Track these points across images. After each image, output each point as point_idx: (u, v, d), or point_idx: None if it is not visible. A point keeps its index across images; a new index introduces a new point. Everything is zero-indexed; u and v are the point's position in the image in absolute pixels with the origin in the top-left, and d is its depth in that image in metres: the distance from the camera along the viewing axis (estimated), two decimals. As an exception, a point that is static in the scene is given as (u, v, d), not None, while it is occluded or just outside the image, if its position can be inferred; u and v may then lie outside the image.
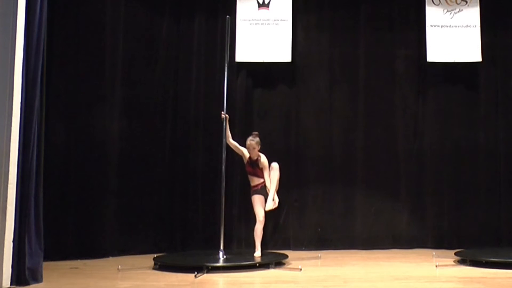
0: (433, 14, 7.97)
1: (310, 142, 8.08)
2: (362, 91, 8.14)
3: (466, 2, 7.99)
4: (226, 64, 6.90)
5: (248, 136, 7.06)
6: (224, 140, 6.79)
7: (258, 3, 8.00)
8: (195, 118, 7.95)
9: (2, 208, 5.24)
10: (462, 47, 7.90)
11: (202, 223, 7.73)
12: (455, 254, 6.86)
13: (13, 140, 5.32)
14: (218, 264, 6.34)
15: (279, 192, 7.48)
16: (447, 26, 7.96)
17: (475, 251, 6.98)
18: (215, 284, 5.79)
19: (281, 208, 7.88)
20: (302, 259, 6.97)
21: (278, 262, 6.56)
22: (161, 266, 6.38)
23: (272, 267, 6.37)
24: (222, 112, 6.80)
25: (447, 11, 7.99)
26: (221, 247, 6.60)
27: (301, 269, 6.25)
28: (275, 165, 6.98)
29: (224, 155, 6.78)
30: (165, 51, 7.94)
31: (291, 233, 7.93)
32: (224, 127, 6.79)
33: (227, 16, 7.08)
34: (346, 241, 7.92)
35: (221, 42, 7.76)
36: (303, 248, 7.78)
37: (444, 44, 7.91)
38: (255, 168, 6.99)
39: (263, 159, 6.98)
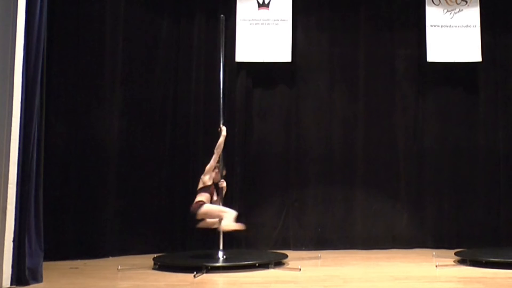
0: (433, 14, 7.97)
1: (310, 142, 8.08)
2: (362, 91, 8.14)
3: (466, 2, 7.99)
4: (221, 63, 6.91)
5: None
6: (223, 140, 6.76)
7: (258, 3, 8.00)
8: (195, 118, 7.94)
9: (2, 208, 5.24)
10: (462, 47, 7.91)
11: (202, 223, 7.73)
12: (455, 254, 6.86)
13: (13, 140, 5.32)
14: (218, 264, 6.35)
15: (279, 192, 7.50)
16: (447, 26, 7.96)
17: (475, 251, 6.98)
18: (215, 284, 5.79)
19: (281, 208, 7.91)
20: (302, 259, 6.96)
21: (278, 262, 6.56)
22: (161, 266, 6.38)
23: (272, 267, 6.36)
24: (220, 126, 6.69)
25: (447, 11, 7.99)
26: (221, 247, 6.60)
27: (300, 269, 6.24)
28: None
29: (223, 155, 6.77)
30: (165, 51, 7.95)
31: (291, 233, 7.92)
32: (220, 142, 6.56)
33: (222, 15, 7.09)
34: (346, 241, 7.92)
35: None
36: (303, 248, 7.78)
37: (444, 44, 7.92)
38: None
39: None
